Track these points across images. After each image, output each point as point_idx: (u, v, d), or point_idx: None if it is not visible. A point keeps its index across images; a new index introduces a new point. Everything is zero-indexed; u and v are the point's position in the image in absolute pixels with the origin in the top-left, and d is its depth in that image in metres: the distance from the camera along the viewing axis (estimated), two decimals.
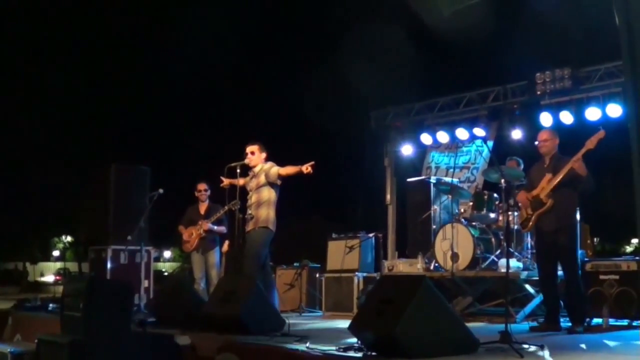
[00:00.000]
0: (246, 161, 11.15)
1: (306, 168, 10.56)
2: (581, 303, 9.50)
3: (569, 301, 9.59)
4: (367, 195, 18.75)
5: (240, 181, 11.30)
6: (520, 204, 10.38)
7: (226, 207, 12.12)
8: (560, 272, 9.75)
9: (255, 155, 11.18)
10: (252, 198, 11.10)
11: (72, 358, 7.16)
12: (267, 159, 11.24)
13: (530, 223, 9.93)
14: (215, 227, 12.97)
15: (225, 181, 11.66)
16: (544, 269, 9.83)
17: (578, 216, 10.06)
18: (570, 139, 9.89)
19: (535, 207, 9.74)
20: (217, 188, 11.83)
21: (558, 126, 13.49)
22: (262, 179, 11.05)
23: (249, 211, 11.08)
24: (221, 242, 13.32)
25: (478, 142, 15.69)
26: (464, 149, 16.24)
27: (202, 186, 13.34)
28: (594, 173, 9.48)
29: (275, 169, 10.96)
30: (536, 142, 10.01)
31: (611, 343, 8.01)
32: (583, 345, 7.89)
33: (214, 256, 13.10)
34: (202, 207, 13.37)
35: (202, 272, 13.09)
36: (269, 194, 11.05)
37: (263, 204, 11.00)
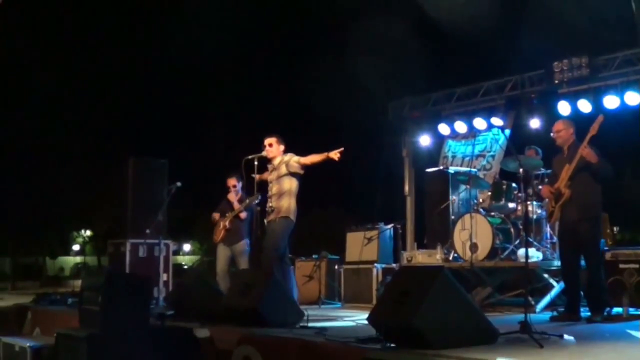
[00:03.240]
0: (264, 153, 11.11)
1: (335, 154, 10.50)
2: (602, 293, 9.44)
3: (590, 291, 9.53)
4: (386, 186, 18.72)
5: (265, 175, 11.27)
6: (546, 199, 10.31)
7: (247, 201, 12.11)
8: (582, 262, 9.69)
9: (273, 147, 11.13)
10: (273, 189, 11.07)
11: (90, 352, 7.17)
12: (285, 151, 11.21)
13: (554, 216, 9.89)
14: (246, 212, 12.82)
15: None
16: (566, 258, 9.76)
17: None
18: (589, 127, 9.80)
19: (557, 199, 9.70)
20: (247, 181, 11.68)
21: (576, 114, 13.45)
22: (283, 169, 11.01)
23: (270, 203, 11.04)
24: (250, 233, 13.17)
25: (495, 130, 15.66)
26: (480, 137, 16.21)
27: (231, 182, 13.08)
28: (612, 161, 9.41)
29: (295, 159, 10.93)
30: (552, 134, 9.96)
31: (632, 332, 7.96)
32: (603, 335, 7.87)
33: (243, 246, 12.93)
34: (233, 200, 13.24)
35: (226, 264, 12.93)
36: (290, 184, 11.01)
37: (284, 194, 10.96)
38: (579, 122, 10.33)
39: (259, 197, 11.67)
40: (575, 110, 13.75)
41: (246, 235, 12.86)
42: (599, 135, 9.34)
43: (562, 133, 9.81)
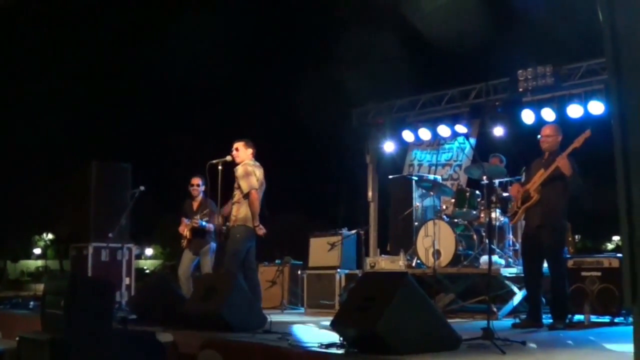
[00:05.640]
0: (228, 158, 11.01)
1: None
2: (564, 301, 9.50)
3: (552, 298, 9.59)
4: (349, 192, 18.81)
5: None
6: (512, 197, 10.37)
7: (197, 216, 12.37)
8: (545, 269, 9.75)
9: (239, 152, 10.99)
10: (235, 196, 10.98)
11: (53, 356, 7.12)
12: (254, 156, 11.10)
13: (517, 216, 9.98)
14: (207, 225, 12.81)
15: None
16: (528, 264, 9.80)
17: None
18: (575, 135, 9.88)
19: (523, 201, 9.77)
20: (211, 182, 11.66)
21: (540, 123, 13.51)
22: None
23: (232, 210, 10.98)
24: (216, 237, 13.13)
25: (460, 139, 15.73)
26: (446, 146, 16.29)
27: (195, 180, 13.03)
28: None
29: (241, 170, 10.89)
30: (538, 136, 9.97)
31: (593, 339, 8.03)
32: (565, 342, 7.92)
33: (207, 249, 12.88)
34: (195, 203, 13.17)
35: (189, 268, 12.91)
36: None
37: (242, 203, 10.87)
38: (566, 128, 10.40)
39: (210, 214, 11.95)
40: (539, 118, 13.83)
41: (211, 239, 12.83)
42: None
43: (550, 139, 9.81)
